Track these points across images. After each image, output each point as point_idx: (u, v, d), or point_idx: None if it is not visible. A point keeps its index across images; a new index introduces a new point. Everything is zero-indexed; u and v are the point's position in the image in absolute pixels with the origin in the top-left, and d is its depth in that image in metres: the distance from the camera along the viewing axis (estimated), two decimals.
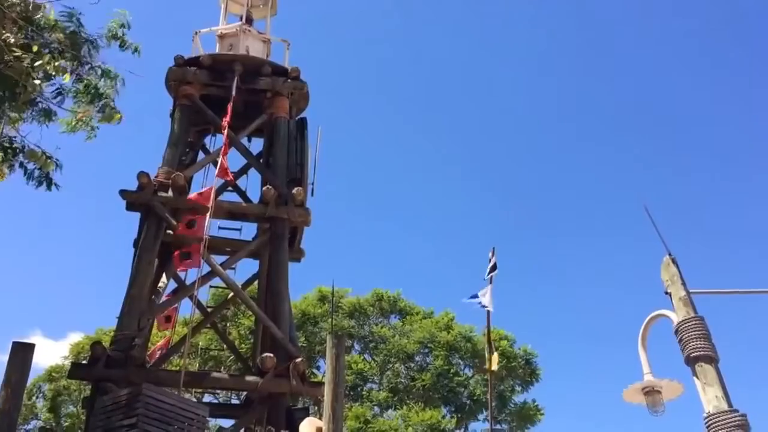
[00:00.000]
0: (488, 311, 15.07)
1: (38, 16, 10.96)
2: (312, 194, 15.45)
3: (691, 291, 7.48)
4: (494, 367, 15.28)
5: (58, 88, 12.72)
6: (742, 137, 59.29)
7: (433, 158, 63.38)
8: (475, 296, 15.13)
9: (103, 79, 13.46)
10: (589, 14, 60.85)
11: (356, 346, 29.25)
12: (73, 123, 13.30)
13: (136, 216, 14.34)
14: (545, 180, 63.41)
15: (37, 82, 10.45)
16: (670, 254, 7.77)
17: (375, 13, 60.93)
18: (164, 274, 15.00)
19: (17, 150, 11.09)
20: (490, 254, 16.02)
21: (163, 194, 14.03)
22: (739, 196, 58.42)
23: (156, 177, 14.22)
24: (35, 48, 9.82)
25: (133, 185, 14.03)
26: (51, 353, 59.83)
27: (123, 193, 14.04)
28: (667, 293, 7.71)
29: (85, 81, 13.38)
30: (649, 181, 57.68)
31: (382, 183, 62.44)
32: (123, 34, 13.40)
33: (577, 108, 62.35)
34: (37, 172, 11.33)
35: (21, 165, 10.83)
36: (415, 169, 62.44)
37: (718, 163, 60.11)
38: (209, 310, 17.17)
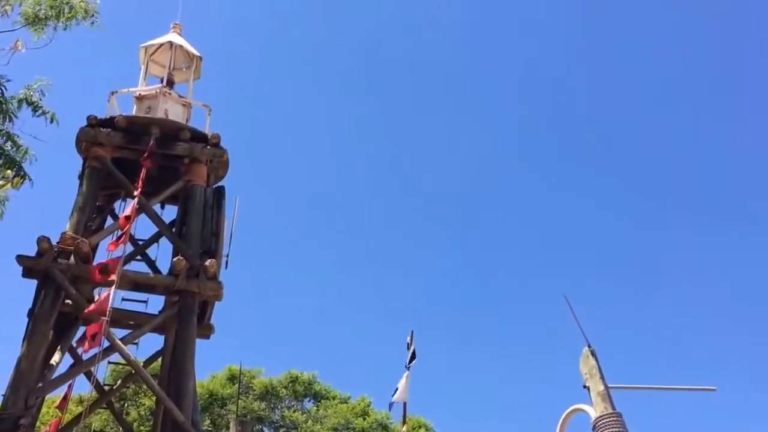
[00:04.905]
0: (404, 402, 14.68)
1: None
2: (226, 267, 15.22)
3: (609, 386, 7.29)
4: None
5: None
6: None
7: (356, 234, 63.39)
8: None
9: (9, 143, 12.84)
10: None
11: (266, 431, 28.14)
12: None
13: (32, 284, 13.66)
14: (465, 262, 64.06)
15: None
16: (589, 346, 7.61)
17: (305, 80, 61.62)
18: (59, 348, 14.10)
19: None
20: (409, 338, 15.68)
21: (64, 261, 13.42)
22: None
23: (58, 243, 13.66)
24: None
25: (33, 251, 13.46)
26: None
27: (20, 258, 13.49)
28: (585, 387, 7.53)
29: None
30: (574, 270, 58.97)
31: (302, 258, 61.78)
32: (39, 100, 12.92)
33: (505, 199, 63.89)
34: None
35: None
36: (336, 244, 62.20)
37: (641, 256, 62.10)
38: (107, 388, 16.13)
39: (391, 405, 15.19)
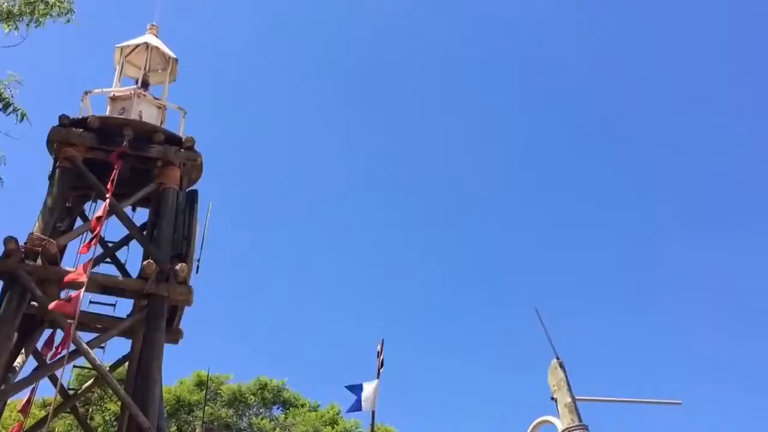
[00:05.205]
0: (373, 411, 14.65)
1: None
2: (197, 271, 15.03)
3: (577, 398, 7.31)
4: None
5: None
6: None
7: (326, 242, 63.17)
8: (359, 390, 14.66)
9: None
10: None
11: None
12: None
13: None
14: (444, 268, 64.06)
15: None
16: (557, 358, 7.64)
17: (288, 81, 61.38)
18: (23, 350, 13.85)
19: None
20: (379, 347, 15.67)
21: (31, 262, 13.22)
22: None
23: (26, 243, 13.42)
24: None
25: None
26: None
27: None
28: (553, 399, 7.54)
29: None
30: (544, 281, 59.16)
31: (275, 264, 61.45)
32: (10, 97, 12.67)
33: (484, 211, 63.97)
34: None
35: None
36: (306, 251, 61.93)
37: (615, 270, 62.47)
38: (71, 392, 15.84)
39: (349, 409, 15.13)
